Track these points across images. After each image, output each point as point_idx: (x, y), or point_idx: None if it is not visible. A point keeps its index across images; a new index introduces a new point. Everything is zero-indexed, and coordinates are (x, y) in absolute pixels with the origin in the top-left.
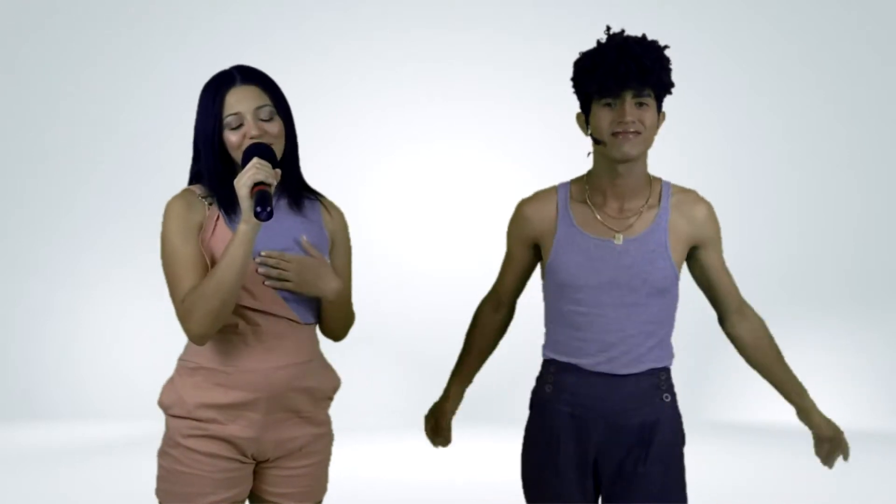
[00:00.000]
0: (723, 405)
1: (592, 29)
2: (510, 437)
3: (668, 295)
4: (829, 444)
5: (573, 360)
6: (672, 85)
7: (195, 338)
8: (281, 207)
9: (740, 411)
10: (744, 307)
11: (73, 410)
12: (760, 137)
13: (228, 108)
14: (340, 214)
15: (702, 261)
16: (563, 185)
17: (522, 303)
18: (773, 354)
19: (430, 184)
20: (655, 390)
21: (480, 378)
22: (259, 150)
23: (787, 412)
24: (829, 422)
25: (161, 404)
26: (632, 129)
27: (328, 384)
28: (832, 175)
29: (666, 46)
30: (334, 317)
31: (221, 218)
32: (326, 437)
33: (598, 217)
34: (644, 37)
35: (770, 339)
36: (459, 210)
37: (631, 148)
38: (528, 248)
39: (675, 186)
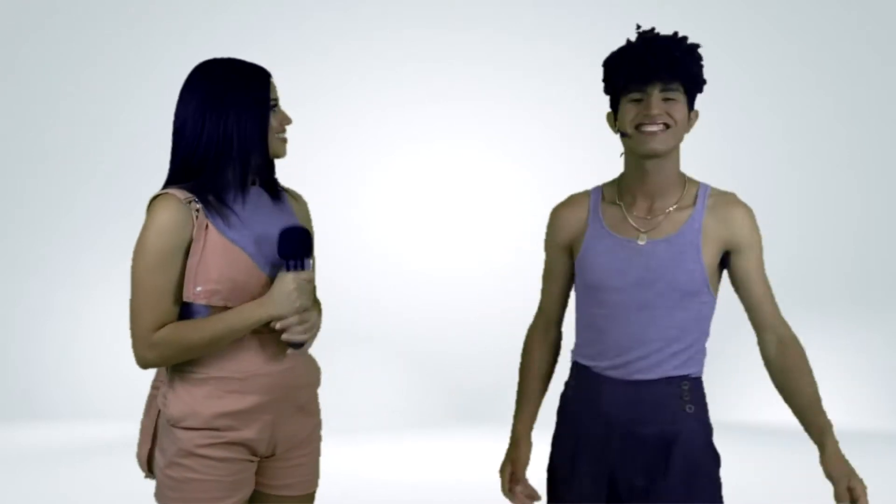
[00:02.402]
0: (723, 405)
1: (592, 29)
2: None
3: (697, 299)
4: (836, 485)
5: (591, 363)
6: (702, 81)
7: (144, 366)
8: (262, 200)
9: (741, 411)
10: (778, 327)
11: (73, 410)
12: (760, 137)
13: (273, 94)
14: (304, 203)
15: (735, 266)
16: (596, 188)
17: (524, 306)
18: (795, 385)
19: (430, 184)
20: (676, 400)
21: (480, 378)
22: (301, 236)
23: (787, 412)
24: (838, 462)
25: (171, 418)
26: (659, 122)
27: (317, 373)
28: (832, 175)
29: (698, 45)
30: None
31: (212, 226)
32: (319, 425)
33: (628, 218)
34: (675, 33)
35: (798, 370)
36: (459, 210)
37: (658, 143)
38: (564, 255)
39: (714, 189)
